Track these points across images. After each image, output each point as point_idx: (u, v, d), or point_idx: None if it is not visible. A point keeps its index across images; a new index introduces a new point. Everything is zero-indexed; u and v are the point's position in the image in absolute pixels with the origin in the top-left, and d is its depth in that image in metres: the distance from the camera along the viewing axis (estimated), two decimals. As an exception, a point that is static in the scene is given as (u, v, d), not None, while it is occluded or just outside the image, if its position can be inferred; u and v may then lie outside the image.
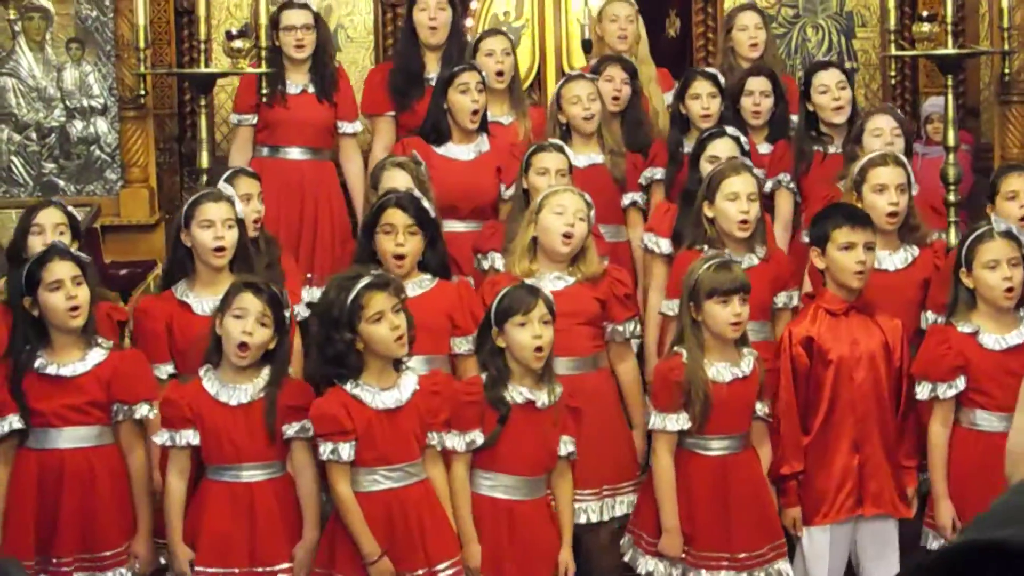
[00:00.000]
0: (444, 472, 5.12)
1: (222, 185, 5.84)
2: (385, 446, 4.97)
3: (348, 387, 4.97)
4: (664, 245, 6.28)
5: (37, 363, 5.17)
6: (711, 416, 5.26)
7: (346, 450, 4.92)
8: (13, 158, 8.13)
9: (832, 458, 5.45)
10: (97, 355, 5.21)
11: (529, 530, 5.17)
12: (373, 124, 7.38)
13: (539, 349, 5.08)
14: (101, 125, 8.17)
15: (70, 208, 6.01)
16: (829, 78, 6.76)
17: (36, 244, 5.66)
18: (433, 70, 7.23)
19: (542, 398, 5.15)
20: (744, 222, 5.82)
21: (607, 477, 5.72)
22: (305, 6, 7.27)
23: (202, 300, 5.53)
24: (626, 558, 5.49)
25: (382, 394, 4.98)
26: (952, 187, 7.05)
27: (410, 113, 7.19)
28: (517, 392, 5.13)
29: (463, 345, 5.71)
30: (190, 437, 5.05)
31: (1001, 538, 0.95)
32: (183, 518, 5.09)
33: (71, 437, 5.17)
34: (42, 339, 5.19)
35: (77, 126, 8.16)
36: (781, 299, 6.00)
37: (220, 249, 5.54)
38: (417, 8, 7.29)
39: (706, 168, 6.22)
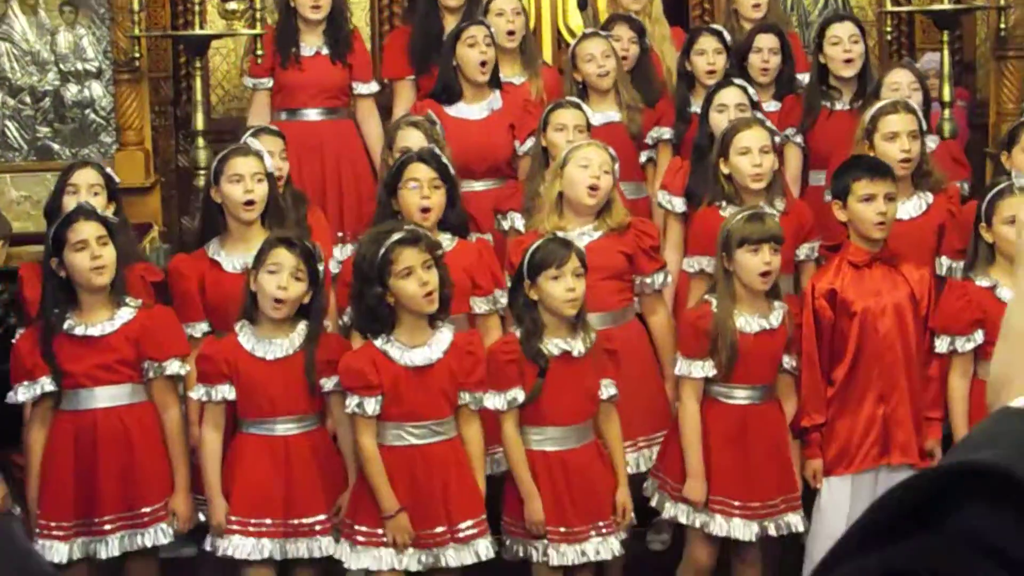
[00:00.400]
0: (479, 432, 5.17)
1: (250, 140, 5.82)
2: (412, 402, 5.01)
3: (379, 342, 5.03)
4: (678, 204, 6.31)
5: (66, 324, 5.18)
6: (737, 365, 5.32)
7: (371, 404, 4.97)
8: (7, 122, 8.04)
9: (857, 408, 5.49)
10: (126, 314, 5.22)
11: (584, 476, 5.24)
12: (394, 88, 7.36)
13: (573, 300, 5.11)
14: (96, 88, 8.10)
15: (108, 169, 6.01)
16: (842, 30, 6.78)
17: (71, 204, 5.63)
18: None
19: (578, 347, 5.20)
20: (758, 175, 5.86)
21: (642, 428, 5.78)
22: None
23: (232, 258, 5.56)
24: (652, 502, 5.55)
25: (412, 351, 5.02)
26: (951, 141, 7.13)
27: (429, 76, 7.16)
28: (553, 344, 5.18)
29: (483, 305, 5.75)
30: (226, 392, 5.09)
31: (978, 460, 0.96)
32: (220, 472, 5.11)
33: (104, 397, 5.19)
34: (71, 300, 5.20)
35: (71, 90, 8.08)
36: (804, 251, 6.06)
37: (250, 203, 5.54)
38: None
39: (715, 118, 6.27)
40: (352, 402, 4.99)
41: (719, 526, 5.37)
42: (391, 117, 7.16)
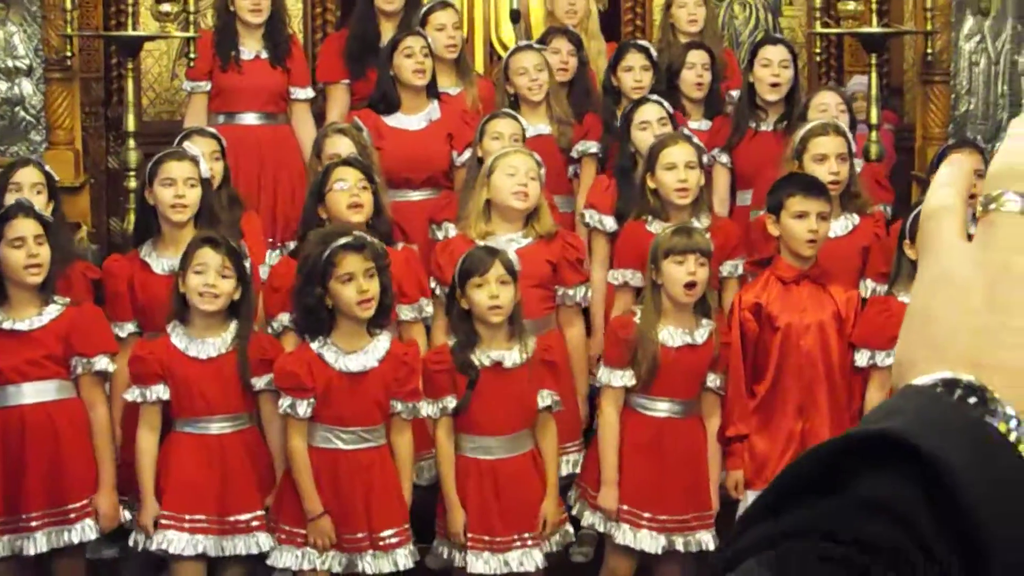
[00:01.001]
0: (409, 441, 5.23)
1: (187, 145, 5.84)
2: (342, 407, 5.07)
3: (315, 345, 5.10)
4: (608, 222, 6.35)
5: (-7, 319, 5.16)
6: (657, 377, 5.39)
7: (303, 407, 5.03)
8: (-64, 117, 7.99)
9: (777, 423, 5.57)
10: (53, 310, 5.25)
11: (513, 486, 5.29)
12: (328, 92, 7.38)
13: (495, 308, 5.15)
14: (26, 86, 8.04)
15: (48, 168, 6.02)
16: (774, 53, 6.87)
17: (11, 201, 5.64)
18: (389, 38, 7.22)
19: (512, 357, 5.23)
20: (683, 190, 5.94)
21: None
22: None
23: (163, 260, 5.60)
24: (573, 511, 5.60)
25: (347, 356, 5.07)
26: (875, 164, 7.23)
27: (364, 81, 7.19)
28: (484, 355, 5.21)
29: (408, 313, 5.80)
30: (160, 392, 5.13)
31: (877, 428, 1.01)
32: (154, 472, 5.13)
33: (31, 392, 5.20)
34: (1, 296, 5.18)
35: (1, 87, 8.03)
36: (727, 268, 6.14)
37: (181, 207, 5.56)
38: None
39: (637, 135, 6.35)
40: (284, 403, 5.05)
41: (626, 536, 5.42)
42: (324, 122, 7.19)
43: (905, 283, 5.58)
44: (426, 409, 5.24)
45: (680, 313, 5.43)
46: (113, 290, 5.70)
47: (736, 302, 5.64)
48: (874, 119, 7.45)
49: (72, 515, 5.20)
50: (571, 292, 5.94)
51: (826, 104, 6.57)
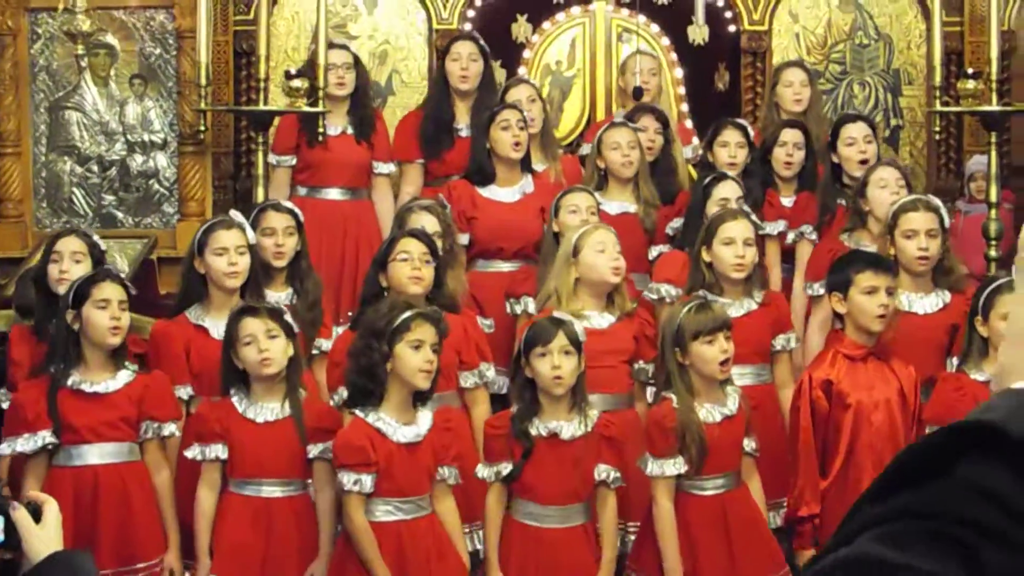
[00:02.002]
0: (454, 506, 5.27)
1: (232, 213, 6.02)
2: (402, 479, 5.12)
3: (370, 419, 5.12)
4: (676, 295, 6.34)
5: (71, 380, 5.35)
6: (707, 457, 5.33)
7: (368, 481, 5.06)
8: (75, 189, 8.35)
9: (851, 500, 5.47)
10: (126, 375, 5.42)
11: (560, 557, 5.27)
12: (402, 170, 7.54)
13: (558, 379, 5.20)
14: (160, 159, 8.38)
15: (95, 237, 6.16)
16: (857, 131, 6.85)
17: (53, 271, 5.86)
18: (463, 120, 7.43)
19: (571, 429, 5.25)
20: (740, 266, 5.94)
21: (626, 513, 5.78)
22: (345, 47, 7.48)
23: (218, 324, 5.69)
24: None
25: (402, 428, 5.13)
26: (993, 242, 7.13)
27: (438, 161, 7.37)
28: (543, 425, 5.25)
29: (469, 379, 5.87)
30: (219, 451, 5.24)
31: (975, 419, 1.11)
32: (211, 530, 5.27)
33: (104, 453, 5.35)
34: (77, 356, 5.38)
35: (137, 160, 8.37)
36: (780, 342, 6.10)
37: (233, 275, 5.74)
38: (449, 58, 7.49)
39: (712, 211, 6.36)
40: (349, 479, 5.06)
41: None
42: (398, 198, 7.35)
43: (976, 360, 5.50)
44: (481, 472, 5.29)
45: (712, 389, 5.38)
46: (171, 352, 5.80)
47: (806, 380, 5.57)
48: (993, 197, 7.36)
49: (141, 574, 5.35)
50: (646, 367, 5.95)
51: (885, 179, 6.50)
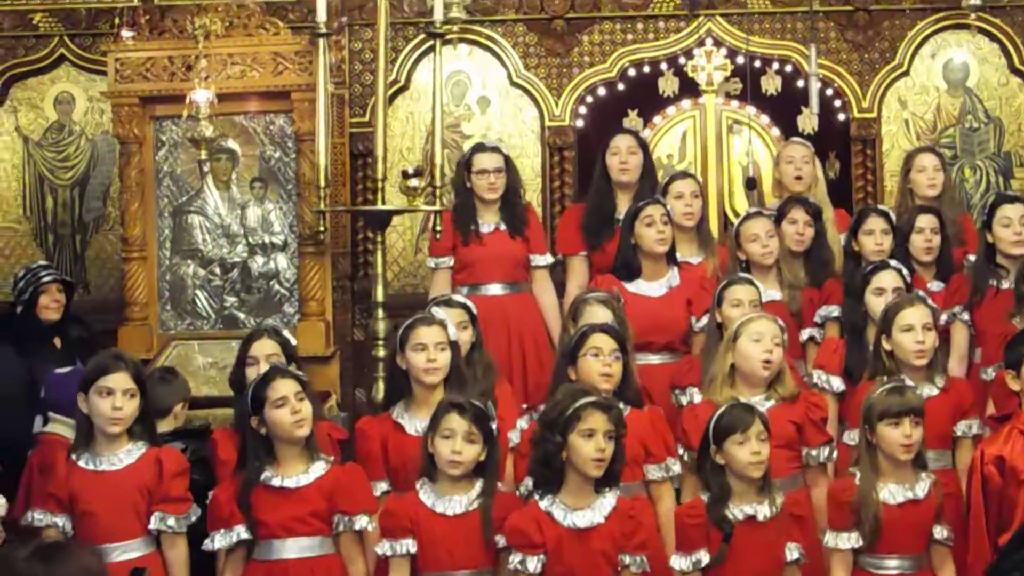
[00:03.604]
0: None
1: (435, 310, 6.11)
2: (573, 563, 5.19)
3: (544, 503, 5.22)
4: (836, 383, 6.45)
5: (264, 476, 5.43)
6: (884, 535, 5.40)
7: (533, 563, 5.16)
8: (198, 291, 8.47)
9: (1025, 579, 5.53)
10: (319, 468, 5.48)
11: None
12: (567, 263, 7.67)
13: (758, 463, 5.29)
14: (281, 261, 8.50)
15: (285, 333, 6.30)
16: (1013, 211, 6.95)
17: (251, 374, 5.94)
18: (625, 209, 7.50)
19: (764, 511, 5.33)
20: (921, 352, 6.02)
21: None
22: (496, 149, 7.61)
23: (415, 421, 5.82)
24: None
25: (574, 513, 5.21)
26: None
27: (602, 252, 7.50)
28: (739, 509, 5.32)
29: (656, 472, 5.94)
30: (409, 546, 5.31)
31: None
32: None
33: (295, 547, 5.41)
34: (269, 455, 5.47)
35: (258, 261, 8.49)
36: (961, 428, 6.15)
37: (432, 371, 5.81)
38: (609, 152, 7.66)
39: (871, 301, 6.44)
40: (515, 559, 5.18)
41: None
42: (564, 292, 7.44)
43: None
44: (678, 563, 5.34)
45: (899, 470, 5.47)
46: (367, 450, 5.91)
47: (979, 455, 5.66)
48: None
49: (330, 664, 5.40)
50: (815, 452, 6.01)
51: None
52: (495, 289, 7.49)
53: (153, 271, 8.47)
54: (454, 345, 5.94)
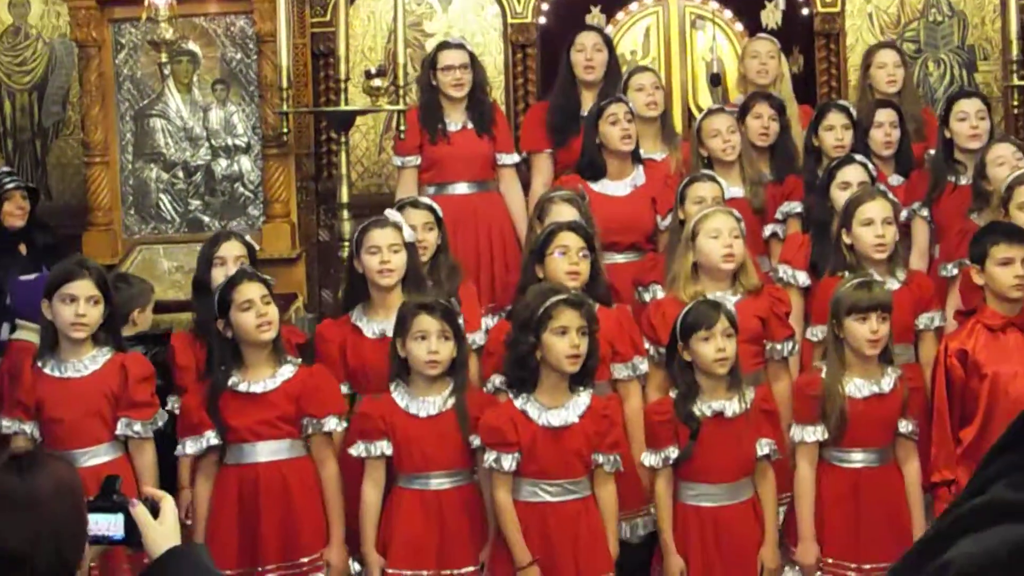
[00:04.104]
0: (613, 492, 5.39)
1: (388, 212, 6.10)
2: (547, 461, 5.25)
3: (519, 402, 5.27)
4: (801, 277, 6.44)
5: (231, 382, 5.44)
6: (848, 429, 5.47)
7: (508, 461, 5.21)
8: (161, 195, 8.43)
9: (986, 472, 5.58)
10: (286, 371, 5.49)
11: (734, 534, 5.43)
12: (532, 160, 7.65)
13: (722, 360, 5.32)
14: (245, 163, 8.46)
15: (248, 238, 6.30)
16: (969, 106, 6.95)
17: (219, 276, 5.94)
18: (590, 107, 7.46)
19: (732, 407, 5.39)
20: (881, 246, 6.04)
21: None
22: (461, 46, 7.55)
23: (372, 324, 5.83)
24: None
25: (549, 412, 5.25)
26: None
27: (567, 150, 7.46)
28: (706, 406, 5.37)
29: (623, 371, 5.96)
30: (384, 448, 5.34)
31: None
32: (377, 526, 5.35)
33: (265, 451, 5.44)
34: (236, 359, 5.47)
35: (222, 164, 8.45)
36: (923, 320, 6.20)
37: (386, 272, 5.82)
38: (574, 49, 7.59)
39: (836, 195, 6.45)
40: (490, 457, 5.23)
41: None
42: (529, 190, 7.43)
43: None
44: (648, 460, 5.40)
45: (865, 364, 5.51)
46: (326, 354, 5.90)
47: (942, 349, 5.70)
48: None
49: (305, 568, 5.42)
50: (779, 346, 6.05)
51: (1003, 156, 6.62)
52: (462, 188, 7.45)
53: (116, 176, 8.42)
54: (411, 246, 5.92)
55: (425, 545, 5.33)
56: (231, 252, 6.08)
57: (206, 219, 8.43)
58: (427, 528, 5.33)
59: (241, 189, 8.46)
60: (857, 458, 5.54)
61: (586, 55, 7.54)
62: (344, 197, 7.55)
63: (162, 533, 2.95)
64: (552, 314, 5.21)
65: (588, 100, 7.52)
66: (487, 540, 5.39)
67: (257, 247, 6.34)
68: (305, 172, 8.66)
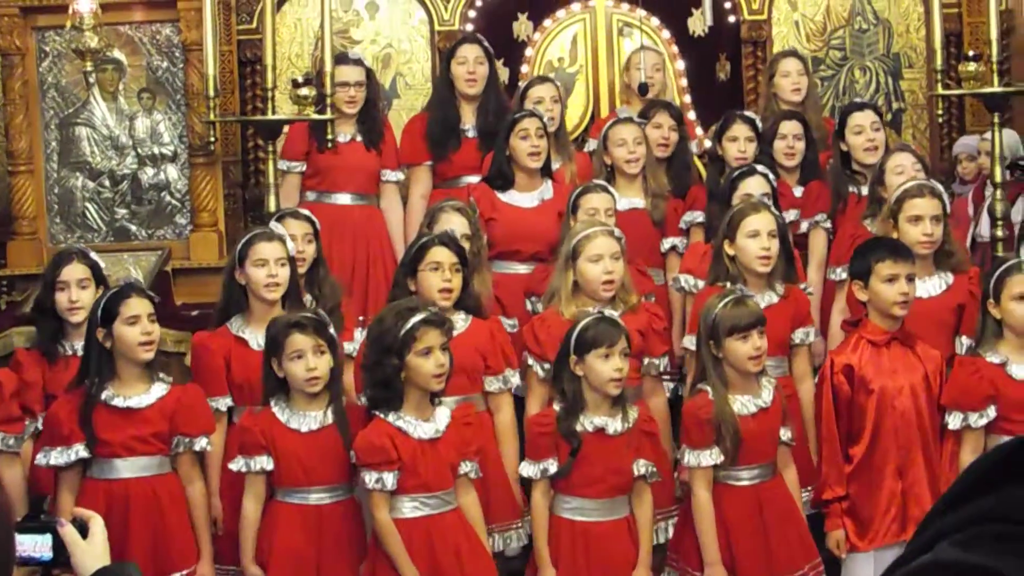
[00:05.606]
0: (476, 499, 5.38)
1: (273, 225, 6.08)
2: (426, 474, 5.23)
3: (391, 419, 5.23)
4: (701, 286, 6.39)
5: (104, 395, 5.41)
6: (741, 448, 5.42)
7: (390, 479, 5.17)
8: (87, 204, 8.41)
9: (878, 484, 5.57)
10: (160, 389, 5.47)
11: (606, 550, 5.39)
12: (410, 172, 7.61)
13: (619, 380, 5.30)
14: (171, 172, 8.44)
15: (93, 256, 6.20)
16: (864, 119, 6.95)
17: (62, 300, 5.93)
18: (469, 121, 7.51)
19: (615, 425, 5.36)
20: (765, 259, 6.02)
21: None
22: (359, 62, 7.54)
23: (257, 335, 5.77)
24: None
25: (422, 425, 5.23)
26: (1000, 222, 7.20)
27: (446, 163, 7.46)
28: (588, 422, 5.35)
29: (494, 383, 5.94)
30: (264, 463, 5.32)
31: None
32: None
33: (135, 467, 5.41)
34: (110, 372, 5.44)
35: (148, 173, 8.43)
36: (799, 335, 6.18)
37: (273, 286, 5.80)
38: (455, 61, 7.55)
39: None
40: (371, 478, 5.17)
41: None
42: (407, 202, 7.44)
43: (991, 343, 5.58)
44: (527, 470, 5.40)
45: (746, 381, 5.48)
46: (209, 365, 5.87)
47: (828, 365, 5.67)
48: (998, 178, 7.43)
49: (175, 583, 5.42)
50: (656, 361, 6.05)
51: (902, 166, 6.61)
52: (344, 199, 7.44)
53: (41, 184, 8.40)
54: (292, 260, 5.91)
55: (305, 559, 5.30)
56: (73, 276, 6.00)
57: (133, 228, 8.41)
58: (307, 542, 5.30)
59: (168, 198, 8.44)
60: (750, 475, 5.50)
61: (468, 67, 7.50)
62: (272, 206, 7.47)
63: (91, 553, 2.93)
64: (416, 336, 5.18)
65: (468, 113, 7.51)
66: (366, 554, 5.37)
67: (103, 264, 6.24)
68: (232, 180, 8.64)
